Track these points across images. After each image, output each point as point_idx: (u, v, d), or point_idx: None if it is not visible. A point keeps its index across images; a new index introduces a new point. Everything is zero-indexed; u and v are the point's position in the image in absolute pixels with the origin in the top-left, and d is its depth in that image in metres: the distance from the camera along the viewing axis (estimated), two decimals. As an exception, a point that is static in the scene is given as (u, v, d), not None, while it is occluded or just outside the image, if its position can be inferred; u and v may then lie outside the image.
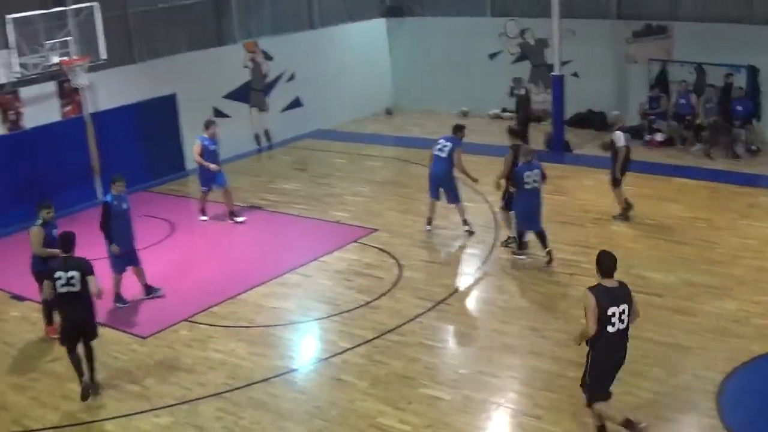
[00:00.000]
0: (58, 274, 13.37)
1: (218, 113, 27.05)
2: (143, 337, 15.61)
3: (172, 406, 13.22)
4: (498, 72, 30.13)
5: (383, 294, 16.57)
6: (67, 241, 13.66)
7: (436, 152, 19.43)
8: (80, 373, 13.71)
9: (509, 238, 18.38)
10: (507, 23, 29.96)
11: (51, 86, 23.18)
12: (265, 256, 19.22)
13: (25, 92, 22.59)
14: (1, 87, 22.11)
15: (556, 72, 25.87)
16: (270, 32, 29.25)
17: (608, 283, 10.85)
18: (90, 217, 22.46)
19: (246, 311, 16.43)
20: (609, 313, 10.66)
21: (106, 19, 22.67)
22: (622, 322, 10.80)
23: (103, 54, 22.46)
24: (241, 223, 21.31)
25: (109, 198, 16.86)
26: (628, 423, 11.05)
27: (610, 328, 10.72)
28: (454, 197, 19.53)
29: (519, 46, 29.93)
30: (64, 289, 13.38)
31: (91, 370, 13.91)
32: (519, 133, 19.86)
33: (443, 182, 19.51)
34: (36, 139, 22.80)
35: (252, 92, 28.55)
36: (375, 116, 32.17)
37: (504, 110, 30.32)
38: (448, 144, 19.41)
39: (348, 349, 14.53)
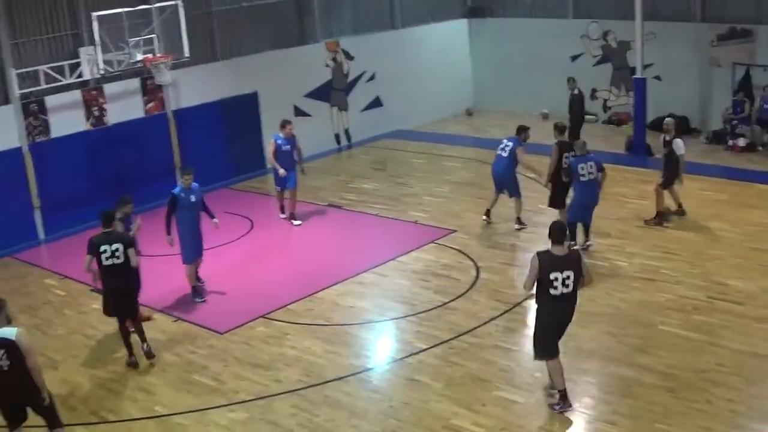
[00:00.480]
0: (103, 247, 14.22)
1: (299, 112, 27.25)
2: (220, 333, 15.76)
3: (247, 401, 13.34)
4: (579, 74, 29.77)
5: (460, 295, 16.53)
6: (108, 218, 14.55)
7: (499, 151, 20.12)
8: (129, 349, 14.75)
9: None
10: (589, 25, 29.71)
11: (135, 83, 23.55)
12: (342, 254, 19.28)
13: (109, 89, 22.96)
14: (86, 83, 22.48)
15: (638, 75, 25.59)
16: (351, 32, 29.36)
17: (556, 250, 11.91)
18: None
19: (322, 309, 16.51)
20: (551, 277, 11.74)
21: (190, 17, 22.94)
22: (566, 287, 11.82)
23: (187, 52, 22.71)
24: (297, 225, 21.43)
25: (177, 190, 17.19)
26: (563, 393, 12.27)
27: (552, 291, 11.79)
28: (514, 193, 20.07)
29: (601, 48, 29.66)
30: (109, 262, 14.30)
31: (143, 341, 14.83)
32: (564, 129, 19.96)
33: (503, 180, 20.09)
34: (119, 135, 23.17)
35: (333, 92, 28.69)
36: (455, 117, 32.12)
37: (585, 112, 30.03)
38: (510, 144, 20.01)
39: (423, 350, 14.52)
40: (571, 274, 11.82)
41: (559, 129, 19.65)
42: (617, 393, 12.71)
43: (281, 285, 17.84)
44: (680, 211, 19.83)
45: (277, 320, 16.16)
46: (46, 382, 11.92)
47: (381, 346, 15.29)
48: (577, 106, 26.46)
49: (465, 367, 13.83)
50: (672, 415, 12.00)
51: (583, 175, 17.82)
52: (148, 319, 16.27)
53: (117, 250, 14.26)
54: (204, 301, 17.32)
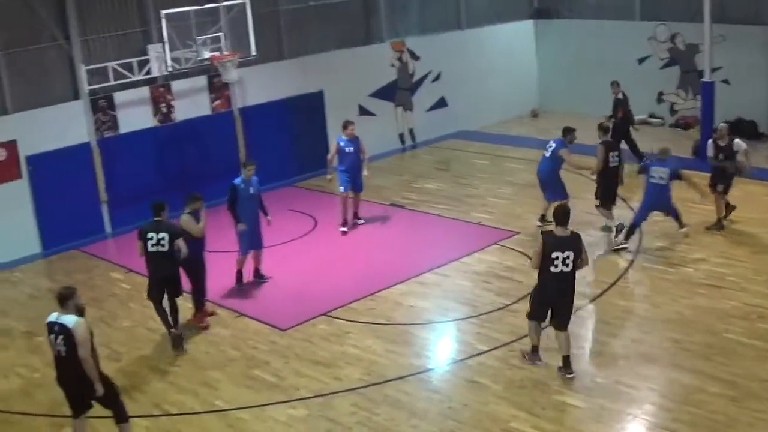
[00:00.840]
0: (150, 235, 15.08)
1: (363, 111, 27.34)
2: (282, 330, 15.87)
3: (307, 398, 13.42)
4: (646, 77, 29.60)
5: (522, 298, 16.43)
6: (159, 208, 15.28)
7: (544, 152, 20.44)
8: (167, 325, 15.40)
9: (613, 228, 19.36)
10: (657, 27, 29.41)
11: (202, 80, 23.78)
12: (404, 254, 19.31)
13: (176, 86, 23.23)
14: (153, 80, 22.74)
15: (706, 78, 25.26)
16: (417, 32, 29.37)
17: (560, 232, 13.16)
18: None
19: (384, 308, 16.55)
20: (553, 256, 12.97)
21: (257, 16, 23.10)
22: (566, 266, 13.03)
23: (253, 50, 22.88)
24: (360, 224, 21.50)
25: (237, 181, 17.55)
26: (534, 349, 13.95)
27: (552, 269, 13.03)
28: (552, 195, 19.95)
29: (668, 51, 29.36)
30: (154, 249, 15.12)
31: (175, 321, 15.45)
32: (608, 130, 20.23)
33: (546, 181, 20.29)
34: (185, 132, 23.42)
35: (398, 91, 28.73)
36: (520, 118, 32.00)
37: (651, 115, 29.83)
38: (554, 144, 20.24)
39: (484, 352, 14.50)
40: (571, 254, 13.00)
41: (603, 129, 20.02)
42: (679, 400, 12.57)
43: (343, 283, 17.90)
44: (722, 221, 19.65)
45: (338, 318, 16.24)
46: (110, 374, 12.11)
47: (442, 347, 15.29)
48: (619, 109, 26.23)
49: (525, 370, 13.78)
50: (735, 425, 11.87)
51: (653, 177, 18.29)
52: (212, 314, 16.46)
53: (162, 238, 15.06)
54: (243, 287, 18.10)
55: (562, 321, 13.48)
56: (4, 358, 15.75)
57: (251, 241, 17.80)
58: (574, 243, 13.12)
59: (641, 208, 18.89)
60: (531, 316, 13.83)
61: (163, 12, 21.16)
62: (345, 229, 20.98)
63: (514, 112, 31.92)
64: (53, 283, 19.32)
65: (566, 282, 13.23)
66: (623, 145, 22.59)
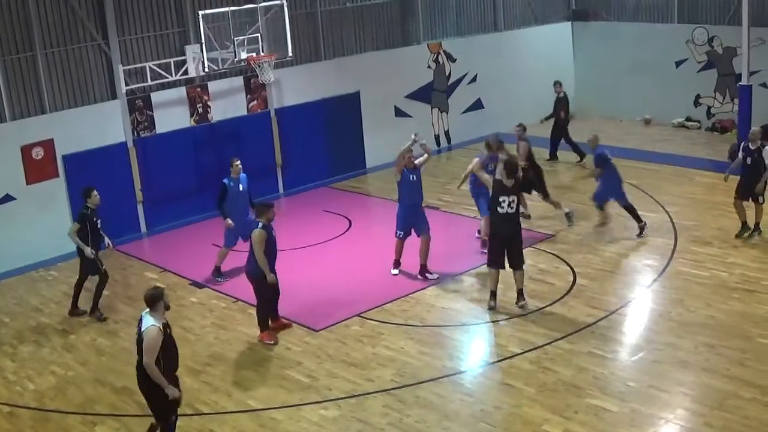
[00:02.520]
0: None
1: (399, 113, 27.37)
2: (316, 330, 15.90)
3: (339, 399, 13.43)
4: (683, 80, 29.42)
5: (556, 301, 16.41)
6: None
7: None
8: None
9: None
10: (695, 30, 29.18)
11: (238, 81, 23.90)
12: (438, 256, 19.25)
13: (213, 86, 23.36)
14: (191, 80, 22.87)
15: (743, 82, 25.02)
16: (454, 34, 29.35)
17: (507, 182, 15.60)
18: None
19: (417, 310, 16.54)
20: (500, 200, 15.60)
21: (294, 17, 23.19)
22: (511, 208, 15.65)
23: (290, 51, 22.96)
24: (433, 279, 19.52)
25: (226, 180, 18.46)
26: (492, 294, 16.22)
27: (500, 210, 15.67)
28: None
29: (706, 54, 29.14)
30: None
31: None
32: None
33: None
34: (222, 133, 23.53)
35: (434, 93, 28.72)
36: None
37: (688, 119, 29.65)
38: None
39: (517, 354, 14.45)
40: (514, 198, 15.69)
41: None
42: (712, 405, 12.47)
43: (377, 285, 17.91)
44: (745, 230, 19.19)
45: (372, 320, 16.25)
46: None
47: (475, 349, 15.27)
48: (563, 109, 26.69)
49: (558, 373, 13.73)
50: (768, 431, 11.80)
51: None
52: (287, 326, 16.29)
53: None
54: (224, 281, 18.54)
55: (515, 260, 16.12)
56: (39, 356, 15.89)
57: (239, 236, 18.27)
58: (517, 190, 15.82)
59: (620, 188, 19.82)
60: (489, 262, 16.35)
61: (201, 13, 21.33)
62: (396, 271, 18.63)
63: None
64: (88, 281, 19.45)
65: (514, 223, 15.88)
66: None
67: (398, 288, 17.52)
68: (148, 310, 11.34)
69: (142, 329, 11.17)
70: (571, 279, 17.44)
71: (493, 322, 15.88)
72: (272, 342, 15.55)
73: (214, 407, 13.52)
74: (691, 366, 13.67)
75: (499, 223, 15.84)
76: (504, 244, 15.91)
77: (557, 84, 26.74)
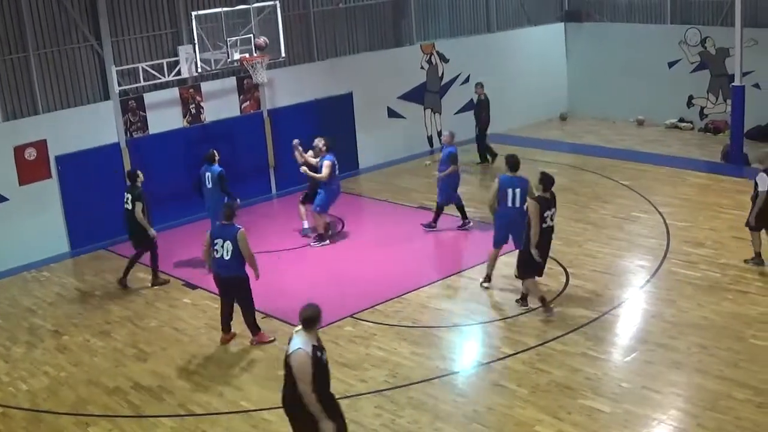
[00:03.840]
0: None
1: (392, 113, 27.37)
2: (309, 331, 15.86)
3: (332, 400, 13.42)
4: (676, 81, 29.47)
5: (549, 301, 16.40)
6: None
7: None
8: None
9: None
10: (687, 31, 29.24)
11: (231, 82, 23.89)
12: (432, 257, 19.30)
13: (206, 87, 23.34)
14: (183, 81, 22.86)
15: (736, 82, 25.05)
16: (447, 35, 29.36)
17: (545, 194, 15.61)
18: (265, 210, 23.22)
19: (410, 311, 16.54)
20: (545, 215, 15.42)
21: (287, 18, 23.17)
22: (552, 220, 15.59)
23: (283, 52, 22.96)
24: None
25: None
26: (542, 299, 15.84)
27: (543, 225, 15.39)
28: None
29: (699, 54, 29.18)
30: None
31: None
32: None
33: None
34: (215, 133, 23.50)
35: (427, 94, 28.72)
36: (549, 121, 31.93)
37: (681, 120, 29.70)
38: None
39: (510, 355, 14.46)
40: (555, 210, 15.74)
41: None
42: (705, 406, 12.48)
43: (370, 285, 17.91)
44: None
45: (364, 320, 16.25)
46: (136, 374, 12.12)
47: (468, 350, 15.27)
48: (484, 111, 26.76)
49: (551, 374, 13.74)
50: None
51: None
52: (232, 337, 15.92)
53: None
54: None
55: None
56: (32, 356, 15.86)
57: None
58: (554, 201, 15.77)
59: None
60: (525, 274, 16.06)
61: (194, 13, 21.33)
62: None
63: (542, 115, 31.85)
64: (81, 282, 19.48)
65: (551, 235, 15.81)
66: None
67: (391, 289, 17.50)
68: (300, 328, 10.48)
69: (290, 352, 10.29)
70: (564, 280, 17.45)
71: (485, 323, 15.88)
72: (272, 338, 15.57)
73: (206, 408, 13.49)
74: (684, 367, 13.69)
75: (544, 236, 15.47)
76: (545, 256, 15.78)
77: (479, 86, 26.87)
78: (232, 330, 15.75)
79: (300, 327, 10.48)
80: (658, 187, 22.86)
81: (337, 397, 13.29)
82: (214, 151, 19.55)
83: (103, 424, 13.24)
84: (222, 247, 14.95)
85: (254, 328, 15.55)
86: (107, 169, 21.78)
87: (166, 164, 22.71)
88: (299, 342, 10.27)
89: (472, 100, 29.45)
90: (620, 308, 16.11)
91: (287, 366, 10.32)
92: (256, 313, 15.62)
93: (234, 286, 15.23)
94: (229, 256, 14.92)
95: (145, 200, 18.30)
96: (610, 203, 21.76)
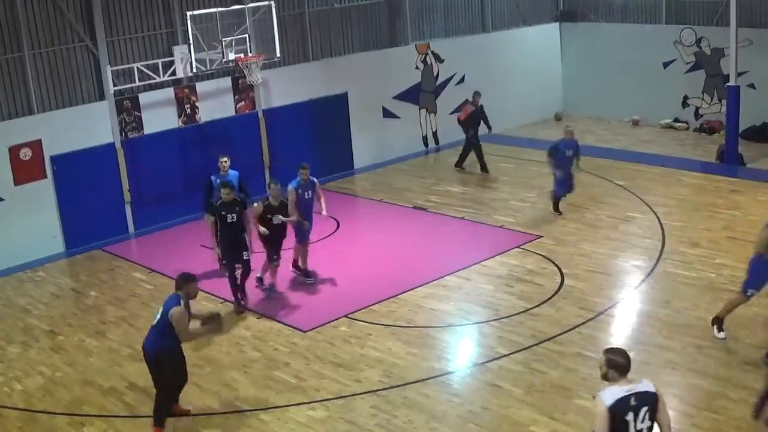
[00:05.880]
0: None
1: (387, 113, 27.38)
2: (303, 331, 15.89)
3: (327, 400, 13.42)
4: (671, 81, 29.50)
5: (544, 302, 16.43)
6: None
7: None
8: None
9: None
10: (682, 31, 29.25)
11: (226, 82, 23.87)
12: (426, 257, 19.29)
13: (201, 87, 23.33)
14: (178, 81, 22.84)
15: (731, 83, 25.06)
16: (442, 35, 29.37)
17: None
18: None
19: (405, 311, 16.54)
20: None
21: (282, 18, 23.16)
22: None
23: (278, 52, 22.97)
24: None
25: (213, 177, 18.60)
26: None
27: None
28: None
29: (694, 55, 29.20)
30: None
31: None
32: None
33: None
34: (210, 133, 23.49)
35: (422, 94, 28.72)
36: (544, 121, 31.94)
37: (676, 120, 29.72)
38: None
39: (505, 355, 14.47)
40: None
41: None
42: (700, 406, 12.50)
43: (365, 286, 17.91)
44: None
45: (360, 320, 16.25)
46: (132, 374, 12.05)
47: (463, 350, 15.26)
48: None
49: (546, 374, 13.75)
50: None
51: None
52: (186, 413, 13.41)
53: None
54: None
55: None
56: (27, 356, 15.85)
57: None
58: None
59: None
60: None
61: (189, 13, 21.29)
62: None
63: (538, 115, 31.87)
64: (76, 282, 19.46)
65: None
66: None
67: (386, 289, 17.50)
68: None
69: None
70: (559, 280, 17.46)
71: (481, 323, 15.88)
72: (188, 408, 13.41)
73: (201, 408, 13.48)
74: (679, 367, 13.70)
75: None
76: None
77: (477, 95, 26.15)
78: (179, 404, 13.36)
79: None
80: (653, 187, 22.87)
81: (332, 397, 13.42)
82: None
83: (98, 424, 13.23)
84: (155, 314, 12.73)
85: (159, 417, 12.73)
86: (102, 170, 21.78)
87: (162, 164, 22.71)
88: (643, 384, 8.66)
89: (467, 100, 29.48)
90: (615, 308, 16.12)
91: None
92: (257, 314, 15.66)
93: (154, 364, 12.65)
94: (155, 330, 12.62)
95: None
96: (605, 203, 21.77)
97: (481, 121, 25.85)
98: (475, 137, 25.78)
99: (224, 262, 17.53)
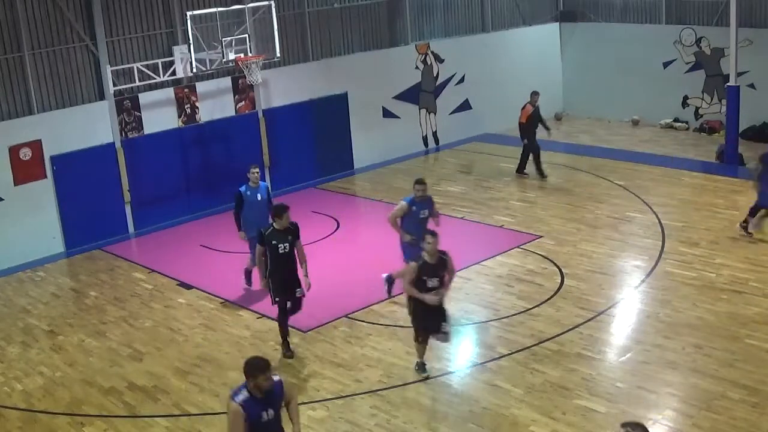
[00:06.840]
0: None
1: (387, 113, 27.37)
2: (303, 331, 15.88)
3: (327, 400, 13.42)
4: (671, 81, 29.48)
5: (544, 302, 16.43)
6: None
7: None
8: None
9: None
10: (682, 31, 29.24)
11: (226, 82, 23.87)
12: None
13: (201, 87, 23.32)
14: (178, 81, 22.84)
15: (731, 83, 25.04)
16: (442, 35, 29.37)
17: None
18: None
19: (405, 311, 16.45)
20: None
21: (282, 18, 23.15)
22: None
23: (278, 52, 22.97)
24: None
25: (243, 188, 17.59)
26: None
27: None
28: None
29: (694, 54, 29.19)
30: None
31: None
32: None
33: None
34: (210, 133, 23.51)
35: (422, 94, 28.72)
36: (544, 121, 31.91)
37: (676, 120, 29.71)
38: None
39: (505, 355, 14.46)
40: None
41: None
42: (700, 406, 12.49)
43: (365, 286, 17.86)
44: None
45: (359, 320, 16.25)
46: (131, 374, 12.06)
47: (462, 350, 15.24)
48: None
49: (546, 374, 13.74)
50: None
51: None
52: None
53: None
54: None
55: None
56: (27, 356, 15.85)
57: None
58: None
59: None
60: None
61: (189, 13, 21.29)
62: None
63: (538, 115, 31.84)
64: (76, 282, 19.46)
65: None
66: None
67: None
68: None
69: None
70: (559, 280, 17.46)
71: (480, 323, 15.88)
72: None
73: (202, 408, 13.49)
74: (679, 367, 13.69)
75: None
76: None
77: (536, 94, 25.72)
78: None
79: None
80: (653, 187, 22.87)
81: (331, 397, 13.41)
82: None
83: (98, 424, 13.23)
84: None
85: None
86: (102, 170, 21.78)
87: (162, 164, 22.71)
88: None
89: (467, 100, 29.53)
90: (615, 308, 16.11)
91: None
92: (255, 313, 15.61)
93: None
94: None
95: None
96: (605, 203, 21.77)
97: (539, 123, 25.05)
98: (533, 140, 24.95)
99: (277, 299, 14.97)
